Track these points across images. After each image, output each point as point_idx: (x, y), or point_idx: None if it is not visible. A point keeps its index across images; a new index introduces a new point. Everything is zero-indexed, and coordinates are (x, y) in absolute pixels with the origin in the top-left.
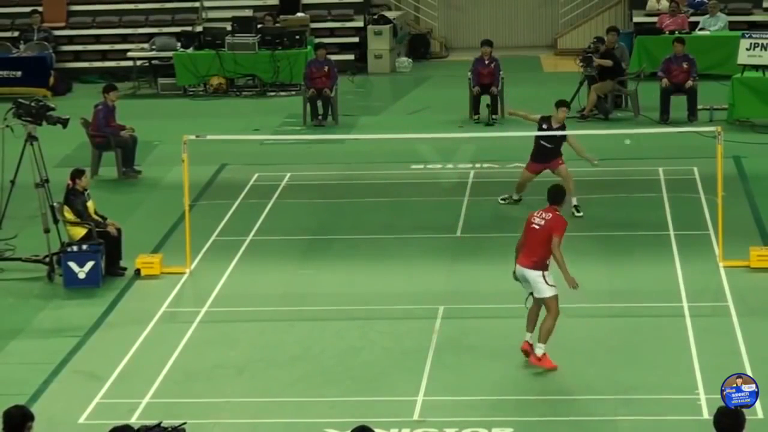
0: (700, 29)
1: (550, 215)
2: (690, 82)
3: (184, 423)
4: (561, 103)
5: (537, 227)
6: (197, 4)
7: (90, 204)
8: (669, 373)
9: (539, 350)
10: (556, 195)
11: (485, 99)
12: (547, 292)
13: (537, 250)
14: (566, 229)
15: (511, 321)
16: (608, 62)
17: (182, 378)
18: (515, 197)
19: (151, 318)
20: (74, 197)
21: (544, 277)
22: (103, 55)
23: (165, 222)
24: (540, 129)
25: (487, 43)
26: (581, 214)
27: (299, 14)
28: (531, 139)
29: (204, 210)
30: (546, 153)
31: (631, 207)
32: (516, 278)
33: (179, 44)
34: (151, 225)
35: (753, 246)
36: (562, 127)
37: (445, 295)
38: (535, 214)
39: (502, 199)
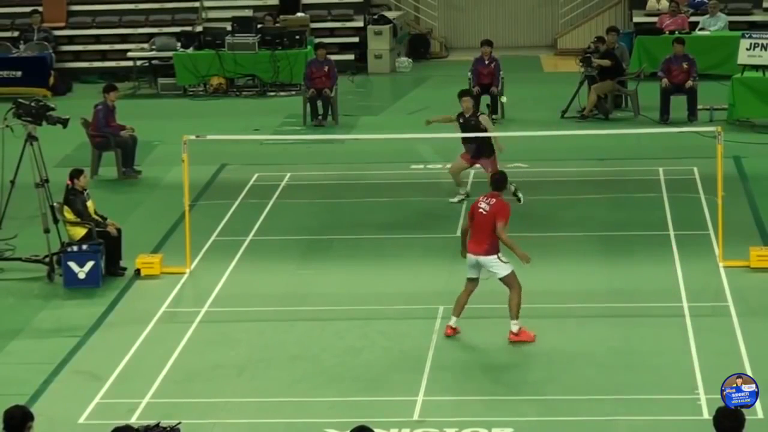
0: (700, 29)
1: (494, 200)
2: (690, 82)
3: (179, 423)
4: (462, 93)
5: (483, 212)
6: (197, 4)
7: (90, 204)
8: (669, 373)
9: (515, 326)
10: (499, 181)
11: (485, 99)
12: (503, 270)
13: (487, 236)
14: (510, 212)
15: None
16: (607, 62)
17: (182, 378)
18: (462, 191)
19: (151, 318)
20: (74, 197)
21: (499, 258)
22: (103, 55)
23: (165, 222)
24: (459, 122)
25: (487, 43)
26: (521, 198)
27: (299, 14)
28: (531, 139)
29: (204, 210)
30: (472, 148)
31: (631, 207)
32: (464, 258)
33: (179, 44)
34: (151, 225)
35: (753, 246)
36: (475, 115)
37: (445, 295)
38: (480, 199)
39: (457, 200)
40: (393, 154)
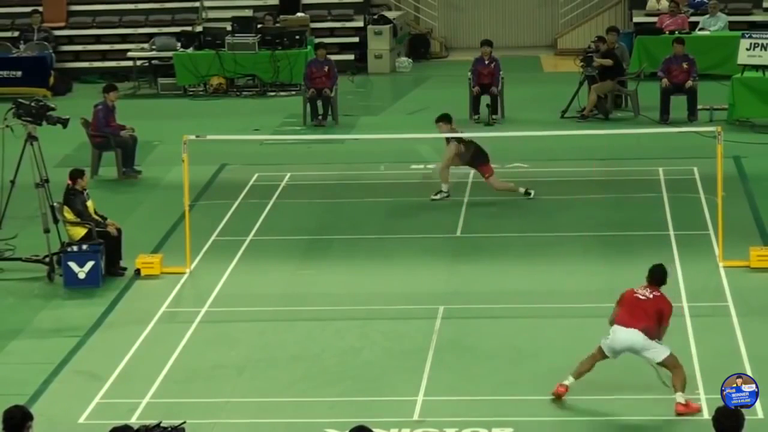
0: (700, 29)
1: (658, 293)
2: (690, 82)
3: (184, 422)
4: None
5: (643, 298)
6: (197, 4)
7: (90, 204)
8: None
9: (681, 398)
10: (662, 275)
11: (485, 99)
12: (663, 352)
13: (645, 319)
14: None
15: (511, 321)
16: (608, 61)
17: (182, 378)
18: (444, 189)
19: (151, 318)
20: (74, 197)
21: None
22: (103, 55)
23: (165, 222)
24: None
25: (487, 43)
26: (532, 193)
27: (299, 14)
28: (531, 139)
29: (204, 210)
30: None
31: (631, 207)
32: (612, 352)
33: (179, 44)
34: (151, 225)
35: (753, 246)
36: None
37: (445, 295)
38: (638, 289)
39: (439, 197)
40: (393, 154)
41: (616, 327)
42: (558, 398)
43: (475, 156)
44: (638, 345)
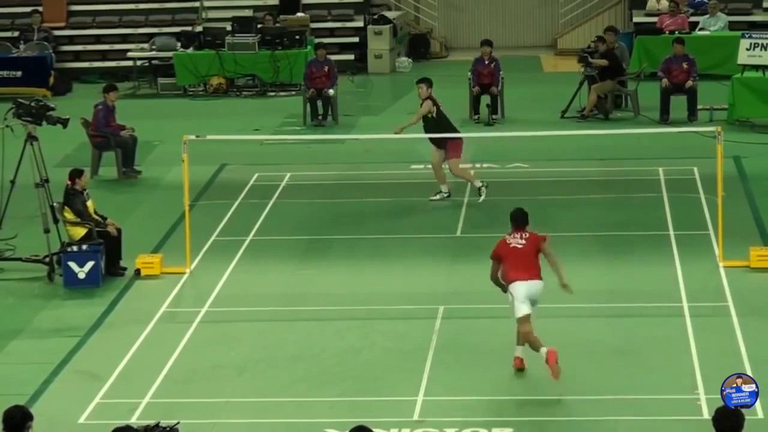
0: (700, 29)
1: (527, 234)
2: (690, 82)
3: (177, 423)
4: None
5: (520, 246)
6: (197, 4)
7: (90, 204)
8: (669, 373)
9: (522, 352)
10: (525, 216)
11: (485, 99)
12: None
13: (533, 266)
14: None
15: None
16: (604, 62)
17: (182, 378)
18: (444, 190)
19: (151, 318)
20: (74, 197)
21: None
22: (103, 55)
23: (165, 222)
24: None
25: (487, 43)
26: (483, 197)
27: (299, 14)
28: (531, 139)
29: (204, 210)
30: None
31: (631, 207)
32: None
33: (179, 44)
34: (151, 225)
35: (753, 246)
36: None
37: (445, 295)
38: (509, 238)
39: (438, 198)
40: (393, 154)
41: (515, 284)
42: (520, 371)
43: (443, 128)
44: (539, 294)
